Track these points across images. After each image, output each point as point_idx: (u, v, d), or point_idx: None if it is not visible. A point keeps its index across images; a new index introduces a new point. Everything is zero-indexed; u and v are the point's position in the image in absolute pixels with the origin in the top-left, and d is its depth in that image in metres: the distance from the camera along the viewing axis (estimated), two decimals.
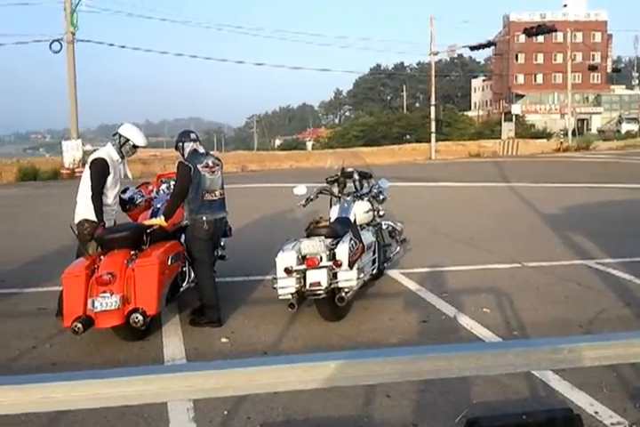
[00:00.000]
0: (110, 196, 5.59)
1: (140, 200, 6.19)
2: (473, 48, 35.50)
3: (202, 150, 5.64)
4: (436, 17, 37.56)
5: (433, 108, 38.21)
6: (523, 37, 49.85)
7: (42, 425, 3.61)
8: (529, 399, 3.80)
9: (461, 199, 15.42)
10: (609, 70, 63.01)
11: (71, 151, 24.71)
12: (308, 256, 5.28)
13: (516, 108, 67.34)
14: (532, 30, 32.63)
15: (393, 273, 7.10)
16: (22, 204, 16.13)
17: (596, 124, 70.93)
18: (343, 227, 5.77)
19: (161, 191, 6.40)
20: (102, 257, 5.03)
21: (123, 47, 42.74)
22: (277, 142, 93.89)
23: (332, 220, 6.09)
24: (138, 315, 4.71)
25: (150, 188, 6.54)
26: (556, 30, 34.01)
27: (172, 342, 5.02)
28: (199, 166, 5.46)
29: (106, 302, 4.68)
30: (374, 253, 6.30)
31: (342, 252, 5.30)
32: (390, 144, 43.22)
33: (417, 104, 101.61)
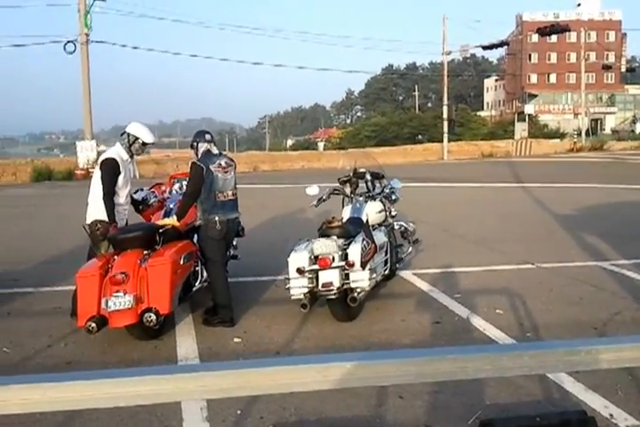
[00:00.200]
0: (122, 195, 5.62)
1: (152, 200, 6.23)
2: (486, 48, 35.32)
3: (215, 151, 5.66)
4: (449, 17, 37.42)
5: (445, 108, 38.07)
6: (536, 37, 49.60)
7: (56, 423, 3.64)
8: (542, 401, 3.78)
9: (474, 200, 15.36)
10: (623, 70, 62.40)
11: (85, 152, 24.87)
12: (320, 257, 5.29)
13: (529, 108, 66.99)
14: (546, 30, 32.41)
15: (405, 274, 7.08)
16: (37, 204, 16.25)
17: (610, 124, 70.40)
18: (355, 227, 5.76)
19: (174, 191, 6.43)
20: (116, 257, 5.07)
21: (135, 48, 43.10)
22: (289, 143, 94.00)
23: (344, 220, 6.09)
24: (151, 314, 4.73)
25: (163, 188, 6.57)
26: (569, 30, 33.75)
27: (186, 341, 5.05)
28: (212, 166, 5.48)
29: (119, 302, 4.71)
30: (386, 254, 6.29)
31: (355, 252, 5.29)
32: (402, 144, 43.02)
33: (429, 104, 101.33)
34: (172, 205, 6.01)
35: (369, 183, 6.75)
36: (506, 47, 40.48)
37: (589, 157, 32.86)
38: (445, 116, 37.80)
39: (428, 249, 8.29)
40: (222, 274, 5.64)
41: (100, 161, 5.67)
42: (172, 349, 4.89)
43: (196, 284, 5.68)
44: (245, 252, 6.85)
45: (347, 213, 6.40)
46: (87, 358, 4.73)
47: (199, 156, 5.60)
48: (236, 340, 5.08)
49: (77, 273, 5.01)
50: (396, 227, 6.93)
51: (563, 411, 3.35)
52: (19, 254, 8.75)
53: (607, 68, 50.38)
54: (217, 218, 5.47)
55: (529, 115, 61.69)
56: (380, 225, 6.50)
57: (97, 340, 5.00)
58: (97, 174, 5.58)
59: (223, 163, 5.59)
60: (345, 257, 5.31)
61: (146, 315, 4.73)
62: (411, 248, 7.13)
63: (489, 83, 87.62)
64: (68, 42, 23.89)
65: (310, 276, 5.27)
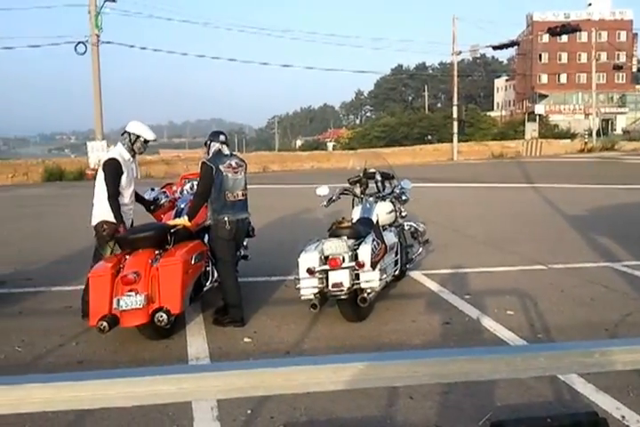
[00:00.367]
0: (126, 195, 5.62)
1: (164, 200, 6.25)
2: (496, 48, 35.19)
3: (226, 152, 5.67)
4: (459, 17, 37.29)
5: (455, 109, 37.97)
6: (546, 37, 49.42)
7: (68, 422, 3.66)
8: (553, 402, 3.77)
9: (484, 200, 15.32)
10: (634, 70, 61.89)
11: (96, 152, 24.97)
12: (330, 257, 5.29)
13: (539, 109, 66.71)
14: (556, 30, 32.25)
15: (415, 274, 7.08)
16: (48, 203, 16.36)
17: (621, 124, 69.92)
18: (365, 228, 5.76)
19: (185, 191, 6.46)
20: (127, 257, 5.10)
21: (144, 49, 43.17)
22: (298, 143, 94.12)
23: (354, 220, 6.09)
24: (162, 314, 4.76)
25: (174, 188, 6.60)
26: (580, 30, 33.58)
27: (196, 341, 5.06)
28: (221, 166, 5.50)
29: (131, 301, 4.73)
30: (396, 255, 6.29)
31: (365, 252, 5.29)
32: (412, 145, 42.97)
33: (439, 104, 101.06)
34: (182, 206, 6.04)
35: (379, 184, 6.75)
36: (516, 47, 40.38)
37: (601, 158, 32.67)
38: (455, 116, 37.70)
39: (439, 249, 8.28)
40: (232, 274, 5.66)
41: (102, 162, 5.68)
42: (182, 348, 4.91)
43: (207, 284, 5.70)
44: (255, 252, 6.87)
45: (357, 214, 6.41)
46: (98, 358, 4.76)
47: (210, 155, 5.63)
48: (246, 340, 5.09)
49: (89, 273, 5.05)
50: (407, 227, 6.92)
51: (574, 412, 3.33)
52: (30, 254, 8.81)
53: (618, 68, 50.01)
54: (226, 218, 5.48)
55: (539, 115, 61.43)
56: (390, 225, 6.50)
57: (108, 339, 5.02)
58: (100, 176, 5.59)
59: (234, 163, 5.60)
60: (355, 257, 5.31)
61: (157, 314, 4.76)
62: (421, 249, 7.12)
63: (499, 83, 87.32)
64: (79, 43, 24.02)
65: (320, 276, 5.27)
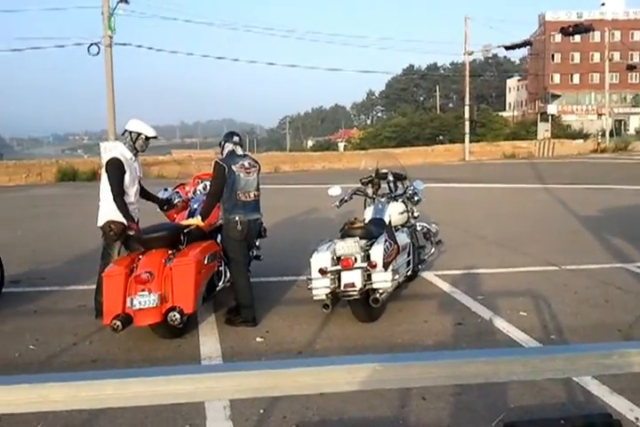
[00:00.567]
0: (131, 194, 5.64)
1: (177, 201, 6.29)
2: (508, 48, 35.00)
3: (240, 152, 5.69)
4: (471, 17, 37.21)
5: (467, 109, 37.85)
6: (559, 37, 49.03)
7: (82, 420, 3.69)
8: (567, 404, 3.75)
9: (496, 201, 15.26)
10: None
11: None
12: (342, 257, 5.29)
13: (551, 109, 66.33)
14: (569, 30, 31.99)
15: (427, 275, 7.06)
16: (62, 204, 16.48)
17: (634, 124, 69.35)
18: (378, 228, 5.76)
19: (198, 192, 6.48)
20: (140, 257, 5.13)
21: (150, 48, 43.10)
22: (309, 143, 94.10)
23: (366, 221, 6.09)
24: (175, 313, 4.78)
25: (187, 188, 6.63)
26: (593, 29, 33.28)
27: (209, 340, 5.08)
28: (234, 167, 5.52)
29: (144, 301, 4.76)
30: (409, 255, 6.28)
31: (377, 253, 5.29)
32: (423, 145, 42.87)
33: (450, 105, 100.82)
34: (195, 206, 6.07)
35: (391, 184, 6.75)
36: (528, 47, 40.06)
37: (613, 158, 32.43)
38: (467, 116, 37.59)
39: (451, 250, 8.26)
40: (244, 274, 5.67)
41: (104, 163, 5.71)
42: (195, 348, 4.93)
43: (220, 284, 5.72)
44: (267, 252, 6.88)
45: (369, 214, 6.41)
46: (112, 356, 4.79)
47: (223, 155, 5.65)
48: (258, 339, 5.10)
49: (103, 272, 5.09)
50: (419, 228, 6.91)
51: (587, 414, 3.32)
52: (44, 254, 8.88)
53: (631, 68, 49.58)
54: (237, 218, 5.50)
55: (552, 115, 61.07)
56: (402, 226, 6.49)
57: (122, 338, 5.06)
58: (104, 176, 5.61)
59: (246, 164, 5.62)
60: (367, 258, 5.31)
61: (170, 314, 4.78)
62: (433, 249, 7.11)
63: (511, 83, 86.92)
64: (92, 44, 24.15)
65: (332, 276, 5.27)
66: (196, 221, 5.53)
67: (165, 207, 6.22)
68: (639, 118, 70.66)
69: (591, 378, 3.92)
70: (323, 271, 5.24)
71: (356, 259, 5.27)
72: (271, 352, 4.78)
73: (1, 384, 1.19)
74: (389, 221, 6.05)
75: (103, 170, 5.65)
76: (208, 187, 6.03)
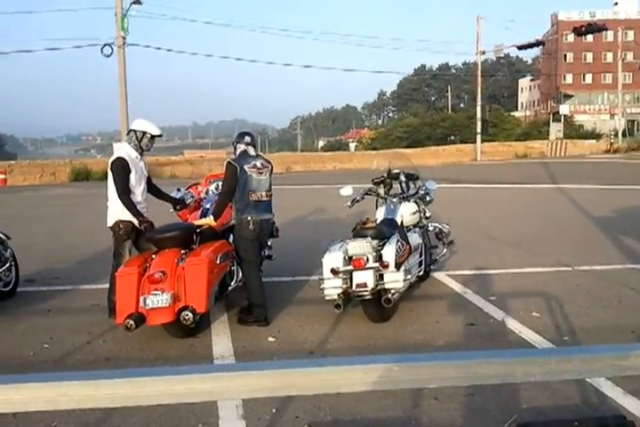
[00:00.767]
0: (137, 193, 5.66)
1: (190, 200, 6.32)
2: (520, 47, 34.85)
3: (252, 153, 5.71)
4: (483, 16, 37.05)
5: (479, 109, 37.73)
6: (571, 36, 48.75)
7: (96, 418, 3.72)
8: (580, 405, 3.73)
9: (509, 201, 15.20)
10: None
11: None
12: (354, 257, 5.29)
13: (564, 109, 65.90)
14: (582, 29, 31.81)
15: (439, 275, 7.05)
16: (76, 203, 16.59)
17: None
18: (390, 228, 5.76)
19: (210, 192, 6.51)
20: (153, 256, 5.16)
21: (159, 48, 43.26)
22: (321, 143, 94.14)
23: (378, 221, 6.09)
24: (188, 312, 4.80)
25: (200, 188, 6.66)
26: (606, 29, 33.09)
27: (221, 339, 5.10)
28: (246, 167, 5.53)
29: (157, 300, 4.79)
30: (421, 255, 6.27)
31: (389, 253, 5.29)
32: (434, 145, 42.75)
33: (462, 105, 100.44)
34: (208, 206, 6.09)
35: (403, 184, 6.74)
36: (541, 47, 39.91)
37: (626, 159, 32.19)
38: (479, 116, 37.46)
39: (462, 250, 8.24)
40: (256, 274, 5.69)
41: (109, 163, 5.73)
42: (207, 347, 4.95)
43: (232, 283, 5.74)
44: (279, 252, 6.90)
45: (381, 214, 6.40)
46: (125, 355, 4.82)
47: (236, 155, 5.68)
48: (270, 339, 5.12)
49: (116, 272, 5.12)
50: (431, 228, 6.90)
51: (601, 415, 3.31)
52: (58, 253, 8.95)
53: None
54: (250, 218, 5.52)
55: (564, 115, 60.73)
56: (414, 226, 6.48)
57: (135, 337, 5.09)
58: (110, 176, 5.64)
59: (259, 164, 5.64)
60: (379, 258, 5.31)
61: (183, 313, 4.81)
62: (445, 250, 7.09)
63: (523, 83, 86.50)
64: (105, 45, 24.31)
65: (344, 276, 5.27)
66: (209, 220, 5.56)
67: (178, 207, 6.25)
68: None
69: (605, 379, 3.90)
70: (334, 271, 5.24)
71: (367, 259, 5.26)
72: (283, 352, 4.79)
73: (18, 382, 1.20)
74: (401, 222, 6.04)
75: (109, 170, 5.67)
76: (220, 187, 6.05)
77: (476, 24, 36.25)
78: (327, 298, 5.34)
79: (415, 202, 6.68)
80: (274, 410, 3.72)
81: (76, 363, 4.65)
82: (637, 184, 17.33)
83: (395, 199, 6.58)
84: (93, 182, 23.90)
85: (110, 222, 5.64)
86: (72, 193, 20.17)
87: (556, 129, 52.36)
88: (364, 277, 5.23)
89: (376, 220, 6.14)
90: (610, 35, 55.70)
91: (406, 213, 6.40)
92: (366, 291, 5.21)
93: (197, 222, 5.61)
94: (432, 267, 6.80)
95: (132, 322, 4.74)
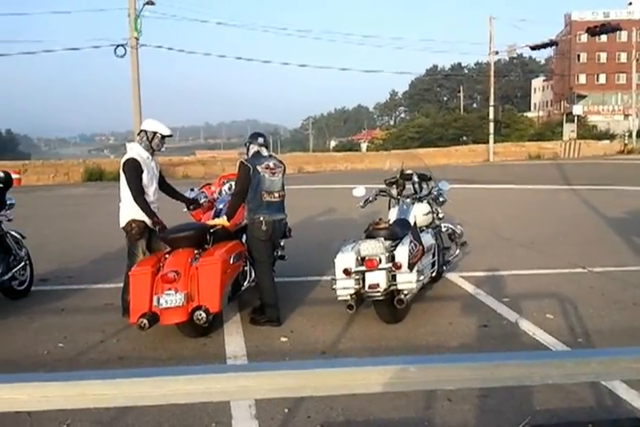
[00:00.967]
0: (150, 193, 5.68)
1: (203, 201, 6.34)
2: (534, 48, 34.68)
3: (265, 153, 5.72)
4: (496, 16, 36.92)
5: (492, 109, 37.59)
6: (585, 37, 48.49)
7: (110, 417, 3.74)
8: (595, 408, 3.71)
9: (522, 202, 15.12)
10: None
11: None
12: (367, 258, 5.29)
13: (577, 109, 65.41)
14: (596, 29, 31.59)
15: (452, 276, 7.03)
16: (89, 203, 16.71)
17: None
18: (402, 229, 5.74)
19: (223, 192, 6.53)
20: (167, 256, 5.18)
21: (170, 49, 43.41)
22: (332, 144, 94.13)
23: (391, 222, 6.08)
24: (201, 312, 4.82)
25: (213, 188, 6.68)
26: (620, 29, 32.83)
27: (234, 339, 5.12)
28: (259, 167, 5.55)
29: (171, 300, 4.81)
30: (434, 256, 6.25)
31: (402, 254, 5.28)
32: (446, 146, 42.63)
33: (474, 105, 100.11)
34: (221, 206, 6.11)
35: (416, 185, 6.72)
36: (554, 47, 39.67)
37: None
38: (492, 116, 37.32)
39: (476, 252, 8.20)
40: (269, 274, 5.70)
41: (121, 164, 5.75)
42: (220, 346, 4.97)
43: (245, 283, 5.75)
44: (292, 252, 6.90)
45: (393, 215, 6.39)
46: (139, 354, 4.84)
47: (249, 156, 5.69)
48: (282, 339, 5.12)
49: (130, 271, 5.15)
50: (444, 229, 6.88)
51: (616, 418, 3.29)
52: (71, 252, 9.01)
53: None
54: (262, 218, 5.53)
55: (577, 116, 60.31)
56: (427, 227, 6.47)
57: (148, 336, 5.11)
58: (122, 177, 5.66)
59: (271, 164, 5.65)
60: (392, 259, 5.30)
61: (196, 313, 4.82)
62: (458, 250, 7.07)
63: (536, 83, 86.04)
64: (119, 46, 24.45)
65: (357, 277, 5.27)
66: (222, 221, 5.58)
67: (192, 207, 6.28)
68: None
69: (620, 382, 3.87)
70: (347, 272, 5.24)
71: (380, 260, 5.26)
72: (295, 352, 4.80)
73: (36, 381, 1.21)
74: (414, 222, 6.03)
75: (121, 171, 5.69)
76: (233, 187, 6.07)
77: (488, 24, 36.14)
78: (339, 298, 5.33)
79: (428, 203, 6.66)
80: (286, 410, 3.72)
81: (89, 362, 4.68)
82: None
83: (407, 200, 6.56)
84: (106, 182, 24.04)
85: (123, 223, 5.67)
86: (85, 193, 20.31)
87: (569, 130, 52.08)
88: (377, 278, 5.22)
89: (389, 220, 6.12)
90: (624, 35, 55.30)
91: (419, 213, 6.38)
92: (379, 292, 5.20)
93: (211, 222, 5.63)
94: (445, 268, 6.78)
95: (145, 321, 4.76)
